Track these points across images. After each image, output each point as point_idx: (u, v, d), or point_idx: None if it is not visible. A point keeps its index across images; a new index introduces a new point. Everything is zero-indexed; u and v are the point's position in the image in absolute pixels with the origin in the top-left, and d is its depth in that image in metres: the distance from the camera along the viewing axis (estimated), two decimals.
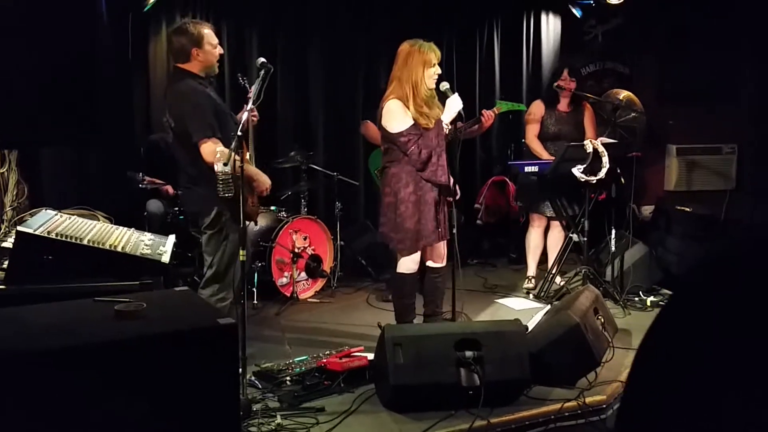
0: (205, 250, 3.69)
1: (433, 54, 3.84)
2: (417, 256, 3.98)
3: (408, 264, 4.00)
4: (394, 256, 4.09)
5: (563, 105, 5.36)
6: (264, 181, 3.65)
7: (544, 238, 5.50)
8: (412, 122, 3.82)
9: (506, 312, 4.93)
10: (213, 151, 3.34)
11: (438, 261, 4.14)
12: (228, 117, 3.65)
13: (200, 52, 3.57)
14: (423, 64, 3.82)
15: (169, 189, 5.40)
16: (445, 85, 3.88)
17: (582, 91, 6.12)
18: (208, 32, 3.62)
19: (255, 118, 3.78)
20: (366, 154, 5.79)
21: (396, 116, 3.84)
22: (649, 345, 1.00)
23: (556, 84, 5.26)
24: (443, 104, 3.89)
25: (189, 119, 3.46)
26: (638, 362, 0.99)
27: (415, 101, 3.83)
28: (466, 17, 6.82)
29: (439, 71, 3.87)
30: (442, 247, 4.13)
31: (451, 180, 3.97)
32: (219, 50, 3.69)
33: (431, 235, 3.92)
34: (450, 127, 3.85)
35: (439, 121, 3.83)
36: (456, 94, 3.84)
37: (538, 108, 5.37)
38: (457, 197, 4.07)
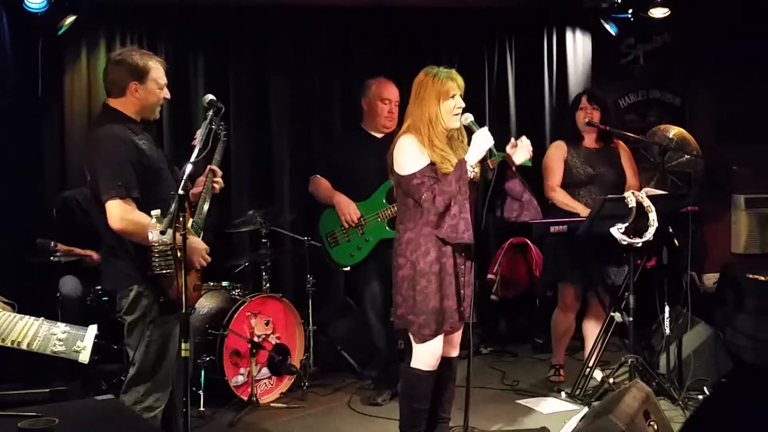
0: (126, 342, 3.70)
1: (453, 83, 3.93)
2: (439, 346, 3.98)
3: (427, 357, 3.98)
4: (404, 346, 4.07)
5: (590, 141, 5.48)
6: (196, 247, 3.64)
7: (575, 322, 5.53)
8: (429, 162, 3.88)
9: (531, 417, 4.92)
10: (119, 215, 3.42)
11: (451, 350, 4.15)
12: (163, 173, 3.68)
13: (140, 88, 3.63)
14: (438, 96, 3.91)
15: (93, 255, 5.39)
16: (468, 118, 3.94)
17: (622, 127, 6.24)
18: (156, 67, 3.69)
19: (218, 185, 3.83)
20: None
21: (408, 154, 3.91)
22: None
23: (586, 120, 5.35)
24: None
25: (99, 173, 3.52)
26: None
27: (432, 143, 3.90)
28: (471, 34, 6.97)
29: (462, 104, 3.94)
30: (457, 330, 4.14)
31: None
32: (165, 94, 3.77)
33: (454, 314, 3.94)
34: (475, 170, 3.89)
35: (461, 162, 3.84)
36: (485, 128, 3.88)
37: (557, 150, 5.46)
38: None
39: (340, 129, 6.57)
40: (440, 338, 3.97)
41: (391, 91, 5.22)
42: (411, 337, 4.01)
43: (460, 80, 3.97)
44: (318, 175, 5.39)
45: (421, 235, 3.92)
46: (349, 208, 5.15)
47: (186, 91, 6.21)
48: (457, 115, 3.94)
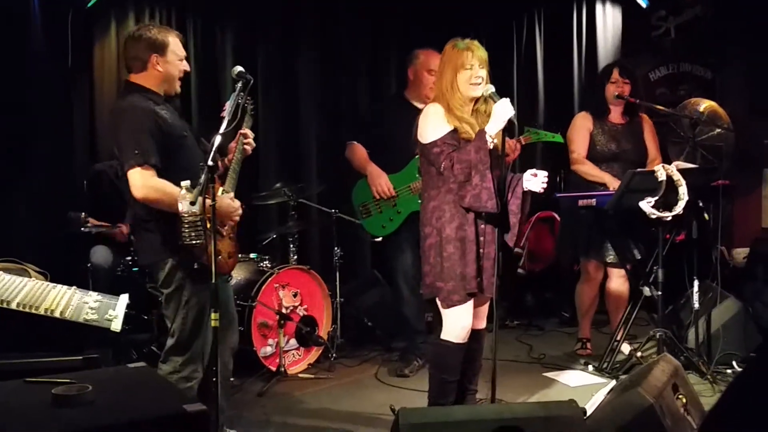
0: (164, 313, 3.74)
1: (469, 54, 3.95)
2: (469, 319, 4.00)
3: (457, 330, 4.00)
4: (432, 319, 4.09)
5: (616, 115, 5.43)
6: (227, 206, 3.66)
7: (599, 293, 5.52)
8: (451, 129, 3.91)
9: (558, 390, 4.92)
10: (140, 183, 3.43)
11: (477, 323, 4.16)
12: (186, 141, 3.70)
13: (161, 60, 3.66)
14: (455, 66, 3.95)
15: (123, 229, 5.43)
16: (489, 89, 3.95)
17: (652, 101, 6.18)
18: (174, 40, 3.72)
19: (249, 146, 3.85)
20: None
21: (431, 122, 3.96)
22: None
23: (616, 94, 5.31)
24: None
25: (120, 143, 3.55)
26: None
27: (452, 110, 3.95)
28: (500, 8, 6.92)
29: (479, 74, 3.95)
30: (484, 303, 4.16)
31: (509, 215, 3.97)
32: (185, 66, 3.79)
33: (472, 281, 3.94)
34: (495, 140, 3.90)
35: (480, 132, 3.87)
36: (506, 99, 3.88)
37: (583, 121, 5.44)
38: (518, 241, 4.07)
39: (384, 97, 6.55)
40: (470, 310, 3.98)
41: (438, 63, 5.22)
42: (439, 304, 4.02)
43: (480, 51, 3.97)
44: (355, 142, 5.40)
45: (444, 203, 3.95)
46: (380, 180, 5.16)
47: (214, 65, 6.23)
48: (474, 84, 3.94)
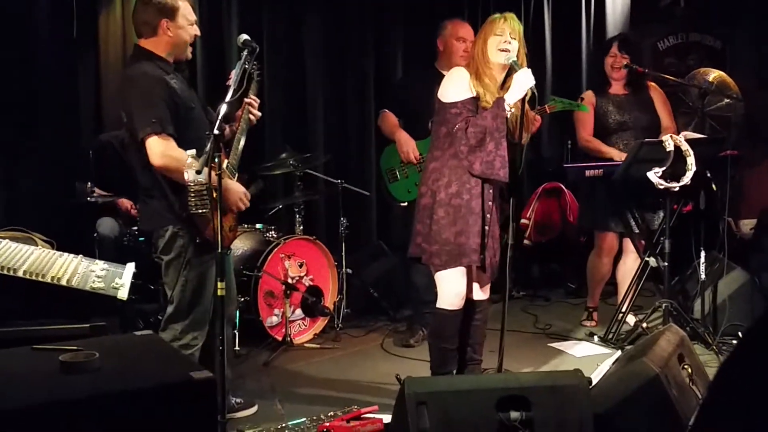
0: (164, 281, 3.77)
1: (501, 21, 3.95)
2: (459, 286, 4.02)
3: (450, 297, 4.02)
4: (433, 286, 4.12)
5: (617, 87, 5.41)
6: (235, 190, 3.69)
7: (612, 266, 5.51)
8: (473, 96, 3.92)
9: (563, 360, 4.94)
10: (161, 151, 3.44)
11: (480, 292, 4.17)
12: (194, 113, 3.70)
13: (171, 25, 3.65)
14: (487, 33, 3.96)
15: (127, 204, 5.45)
16: (510, 58, 3.93)
17: (661, 70, 6.15)
18: (184, 4, 3.71)
19: (254, 117, 3.86)
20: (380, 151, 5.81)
21: (455, 83, 3.97)
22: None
23: (624, 63, 5.28)
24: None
25: (134, 111, 3.55)
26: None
27: (479, 76, 3.95)
28: None
29: (508, 40, 3.93)
30: (487, 275, 4.17)
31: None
32: (196, 30, 3.78)
33: (473, 254, 3.96)
34: (512, 109, 3.89)
35: (499, 100, 3.87)
36: (527, 69, 3.88)
37: (587, 99, 5.41)
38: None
39: (416, 67, 6.53)
40: (461, 277, 4.00)
41: (467, 30, 5.21)
42: (431, 268, 4.05)
43: (514, 22, 3.97)
44: (386, 110, 5.42)
45: (445, 166, 3.96)
46: (408, 146, 5.17)
47: (219, 33, 6.19)
48: (502, 51, 3.91)
